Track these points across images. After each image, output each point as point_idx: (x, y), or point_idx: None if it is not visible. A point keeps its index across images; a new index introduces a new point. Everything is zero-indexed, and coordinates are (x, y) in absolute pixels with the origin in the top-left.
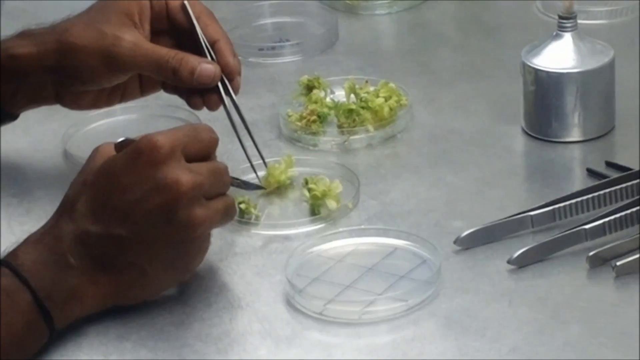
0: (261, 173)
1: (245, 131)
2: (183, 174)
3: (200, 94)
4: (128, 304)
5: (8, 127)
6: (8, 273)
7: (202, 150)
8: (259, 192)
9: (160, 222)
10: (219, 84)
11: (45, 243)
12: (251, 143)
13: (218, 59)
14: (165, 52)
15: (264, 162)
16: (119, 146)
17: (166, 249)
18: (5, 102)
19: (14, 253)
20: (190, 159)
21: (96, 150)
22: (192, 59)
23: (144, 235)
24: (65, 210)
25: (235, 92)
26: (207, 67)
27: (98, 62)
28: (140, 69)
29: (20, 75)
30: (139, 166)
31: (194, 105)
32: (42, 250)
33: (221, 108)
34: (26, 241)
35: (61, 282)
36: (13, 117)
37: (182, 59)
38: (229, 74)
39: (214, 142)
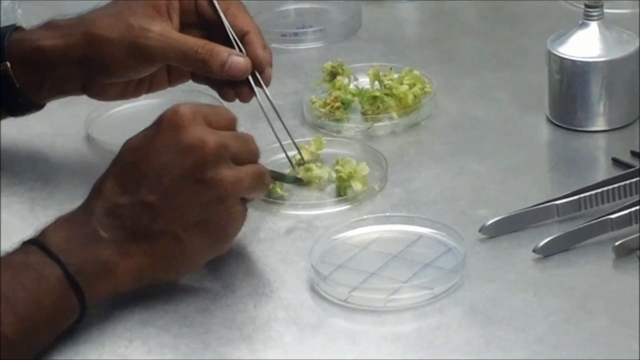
0: (290, 153)
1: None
2: (207, 134)
3: (232, 85)
4: (166, 280)
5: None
6: (37, 250)
7: (222, 124)
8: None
9: (189, 184)
10: (250, 76)
11: (74, 220)
12: (280, 126)
13: (248, 51)
14: (194, 42)
15: (297, 147)
16: None
17: (198, 212)
18: (31, 93)
19: (42, 232)
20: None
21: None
22: (222, 50)
23: (175, 199)
24: (93, 191)
25: (267, 84)
26: (237, 59)
27: (125, 54)
28: (168, 59)
29: (46, 67)
30: (163, 133)
31: (226, 97)
32: (71, 227)
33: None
34: (56, 221)
35: (92, 256)
36: (39, 107)
37: (212, 50)
38: (259, 66)
39: (233, 119)
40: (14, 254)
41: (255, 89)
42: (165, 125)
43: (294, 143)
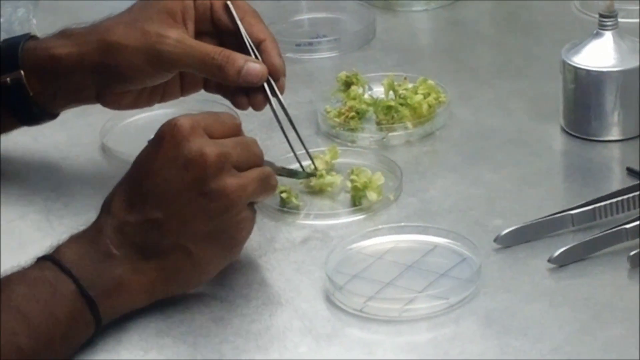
0: (305, 164)
1: (289, 127)
2: (207, 146)
3: (245, 93)
4: (180, 292)
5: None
6: (51, 266)
7: (225, 133)
8: (301, 181)
9: (193, 197)
10: (265, 84)
11: (86, 237)
12: (294, 136)
13: (264, 59)
14: (211, 49)
15: (310, 157)
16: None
17: (205, 224)
18: (45, 102)
19: (56, 249)
20: (214, 138)
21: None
22: (238, 57)
23: (181, 214)
24: (103, 209)
25: (281, 92)
26: (254, 66)
27: (142, 61)
28: (185, 66)
29: (61, 75)
30: (163, 148)
31: (239, 105)
32: (83, 243)
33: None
34: (69, 238)
35: (105, 272)
36: (53, 116)
37: (228, 57)
38: (274, 74)
39: (236, 125)
40: (28, 269)
41: (270, 97)
42: (165, 140)
43: (308, 152)
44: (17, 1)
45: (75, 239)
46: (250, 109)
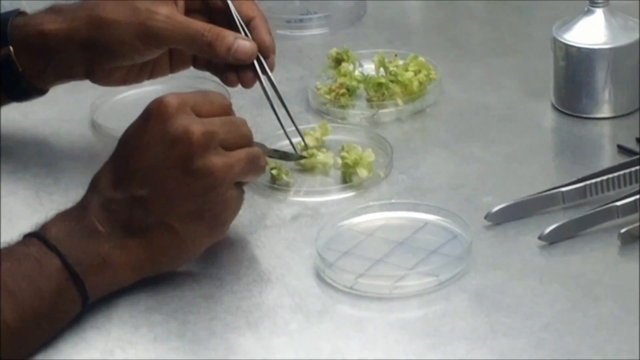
0: (295, 140)
1: (279, 104)
2: (193, 124)
3: (235, 70)
4: (167, 269)
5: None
6: (36, 242)
7: (214, 112)
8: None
9: (179, 175)
10: (254, 61)
11: (72, 215)
12: (284, 113)
13: (253, 37)
14: (201, 26)
15: (300, 135)
16: None
17: (191, 202)
18: (34, 78)
19: (42, 226)
20: (202, 117)
21: None
22: (228, 34)
23: (166, 191)
24: (91, 186)
25: (271, 70)
26: (244, 43)
27: (132, 37)
28: (175, 42)
29: (50, 51)
30: (149, 126)
31: (228, 82)
32: (69, 221)
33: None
34: (55, 215)
35: (90, 249)
36: (42, 92)
37: (218, 34)
38: (264, 51)
39: (226, 105)
40: (14, 246)
41: (260, 75)
42: (152, 117)
43: (298, 130)
44: None
45: (61, 216)
46: (239, 87)
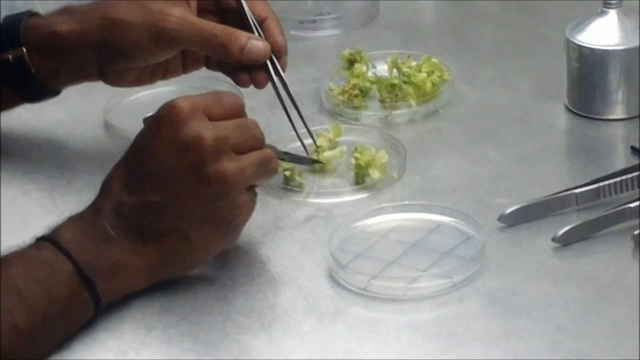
0: (307, 142)
1: (292, 106)
2: (204, 129)
3: (247, 71)
4: (178, 274)
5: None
6: (49, 246)
7: (226, 113)
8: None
9: (191, 181)
10: (267, 62)
11: (85, 219)
12: (296, 116)
13: (266, 37)
14: (214, 27)
15: (312, 136)
16: (146, 121)
17: (203, 207)
18: (48, 79)
19: (54, 229)
20: (214, 121)
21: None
22: (241, 34)
23: (178, 197)
24: (102, 190)
25: (283, 70)
26: (257, 43)
27: (145, 38)
28: (188, 43)
29: (63, 52)
30: (161, 131)
31: (241, 83)
32: (82, 225)
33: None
34: (67, 219)
35: (103, 253)
36: (55, 93)
37: (231, 34)
38: (277, 52)
39: (238, 106)
40: (26, 249)
41: (272, 75)
42: (164, 122)
43: (309, 131)
44: None
45: (73, 220)
46: (251, 88)
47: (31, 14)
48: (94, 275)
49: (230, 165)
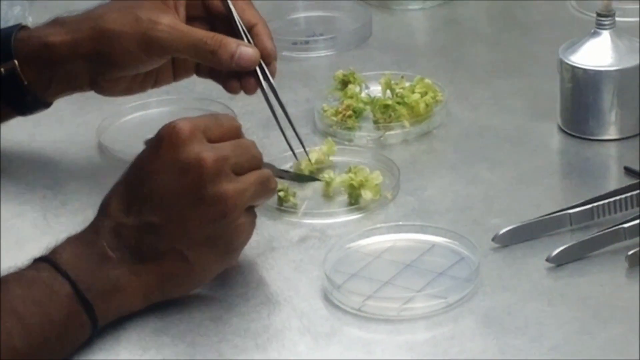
0: (298, 151)
1: (284, 117)
2: (204, 151)
3: (237, 77)
4: (177, 296)
5: (43, 119)
6: (47, 267)
7: (224, 135)
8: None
9: (191, 203)
10: (257, 68)
11: (83, 240)
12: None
13: (256, 43)
14: (204, 34)
15: (304, 148)
16: (147, 143)
17: (202, 229)
18: (40, 91)
19: (53, 250)
20: (212, 142)
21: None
22: (230, 41)
23: (178, 219)
24: (101, 210)
25: (272, 76)
26: (246, 50)
27: (135, 47)
28: (178, 51)
29: (55, 63)
30: (161, 152)
31: (231, 89)
32: (80, 246)
33: (258, 94)
34: (65, 240)
35: (101, 275)
36: (47, 105)
37: (221, 41)
38: (266, 58)
39: (235, 127)
40: (24, 270)
41: (263, 82)
42: (164, 143)
43: (298, 136)
44: (13, 1)
45: (71, 240)
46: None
47: (21, 27)
48: (92, 297)
49: (230, 186)
